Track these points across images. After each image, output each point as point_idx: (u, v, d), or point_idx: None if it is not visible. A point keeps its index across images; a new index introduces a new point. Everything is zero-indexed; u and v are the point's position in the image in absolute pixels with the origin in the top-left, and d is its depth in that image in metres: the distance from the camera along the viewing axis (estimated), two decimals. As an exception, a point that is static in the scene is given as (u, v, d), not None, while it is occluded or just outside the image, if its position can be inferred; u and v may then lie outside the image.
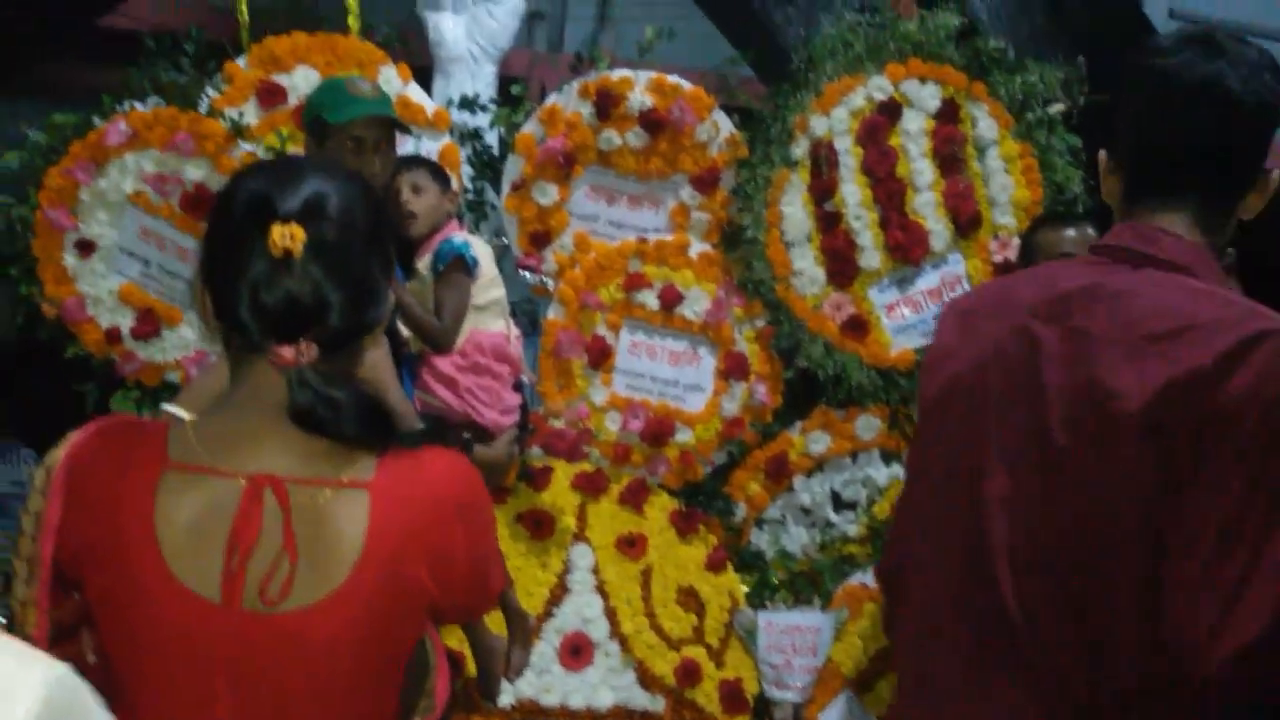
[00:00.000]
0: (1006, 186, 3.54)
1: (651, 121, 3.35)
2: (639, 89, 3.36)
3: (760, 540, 3.54)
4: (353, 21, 3.34)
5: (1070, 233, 2.96)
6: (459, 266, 2.65)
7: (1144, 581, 1.29)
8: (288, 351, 1.19)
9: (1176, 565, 1.27)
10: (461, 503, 1.27)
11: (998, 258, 3.54)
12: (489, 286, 2.76)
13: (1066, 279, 1.50)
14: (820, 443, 3.52)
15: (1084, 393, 1.37)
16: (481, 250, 2.76)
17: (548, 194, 3.37)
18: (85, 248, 3.21)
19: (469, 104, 3.43)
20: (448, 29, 3.36)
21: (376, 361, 1.41)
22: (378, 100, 2.43)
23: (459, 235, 2.74)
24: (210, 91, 3.22)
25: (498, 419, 2.75)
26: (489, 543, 1.35)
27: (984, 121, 3.53)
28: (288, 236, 1.17)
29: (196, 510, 1.19)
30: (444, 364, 2.69)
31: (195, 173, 3.14)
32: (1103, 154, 1.61)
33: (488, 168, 3.42)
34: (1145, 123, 1.51)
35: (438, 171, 2.84)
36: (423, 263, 2.73)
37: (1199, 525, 1.27)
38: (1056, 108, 3.57)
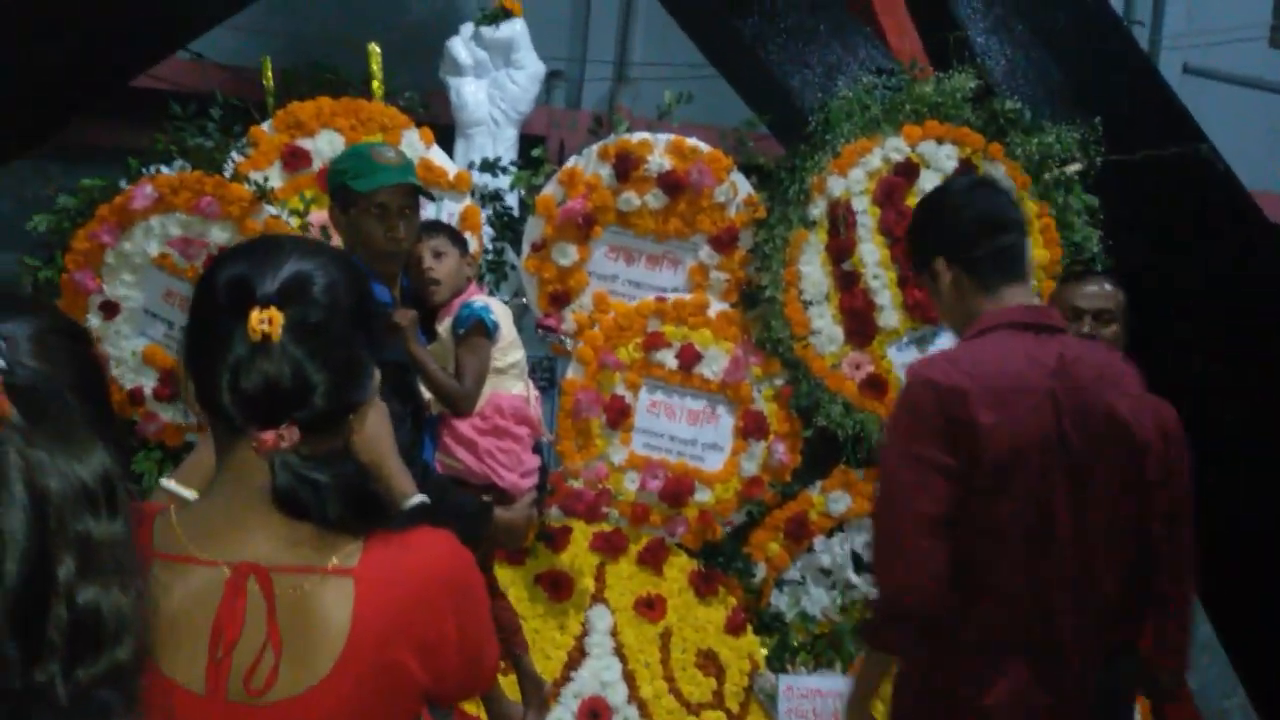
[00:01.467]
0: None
1: (670, 183, 3.38)
2: (658, 151, 3.39)
3: (780, 602, 3.51)
4: (376, 86, 3.39)
5: (1091, 288, 2.97)
6: (479, 330, 2.66)
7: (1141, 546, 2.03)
8: (269, 436, 1.17)
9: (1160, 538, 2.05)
10: (451, 586, 1.24)
11: (1017, 317, 3.54)
12: (509, 349, 2.77)
13: (1040, 351, 1.99)
14: (841, 502, 3.50)
15: (1107, 426, 1.97)
16: (501, 313, 2.77)
17: (567, 254, 3.39)
18: (110, 309, 3.25)
19: (490, 166, 3.47)
20: (469, 94, 3.41)
21: (373, 432, 1.39)
22: (402, 167, 2.46)
23: (479, 299, 2.75)
24: (235, 155, 3.27)
25: (517, 482, 2.75)
26: (481, 624, 1.31)
27: (1001, 182, 3.54)
28: (265, 321, 1.16)
29: (181, 601, 1.18)
30: (464, 426, 2.69)
31: (220, 236, 3.18)
32: (940, 261, 2.09)
33: (508, 229, 3.45)
34: (979, 237, 2.05)
35: (457, 236, 2.86)
36: (443, 326, 2.74)
37: (1170, 508, 2.05)
38: (1074, 168, 3.59)
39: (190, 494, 1.46)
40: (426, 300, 2.75)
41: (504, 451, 2.71)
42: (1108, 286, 2.98)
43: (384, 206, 2.38)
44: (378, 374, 1.29)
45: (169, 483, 1.48)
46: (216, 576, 1.18)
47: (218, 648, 1.16)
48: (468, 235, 3.12)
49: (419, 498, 1.50)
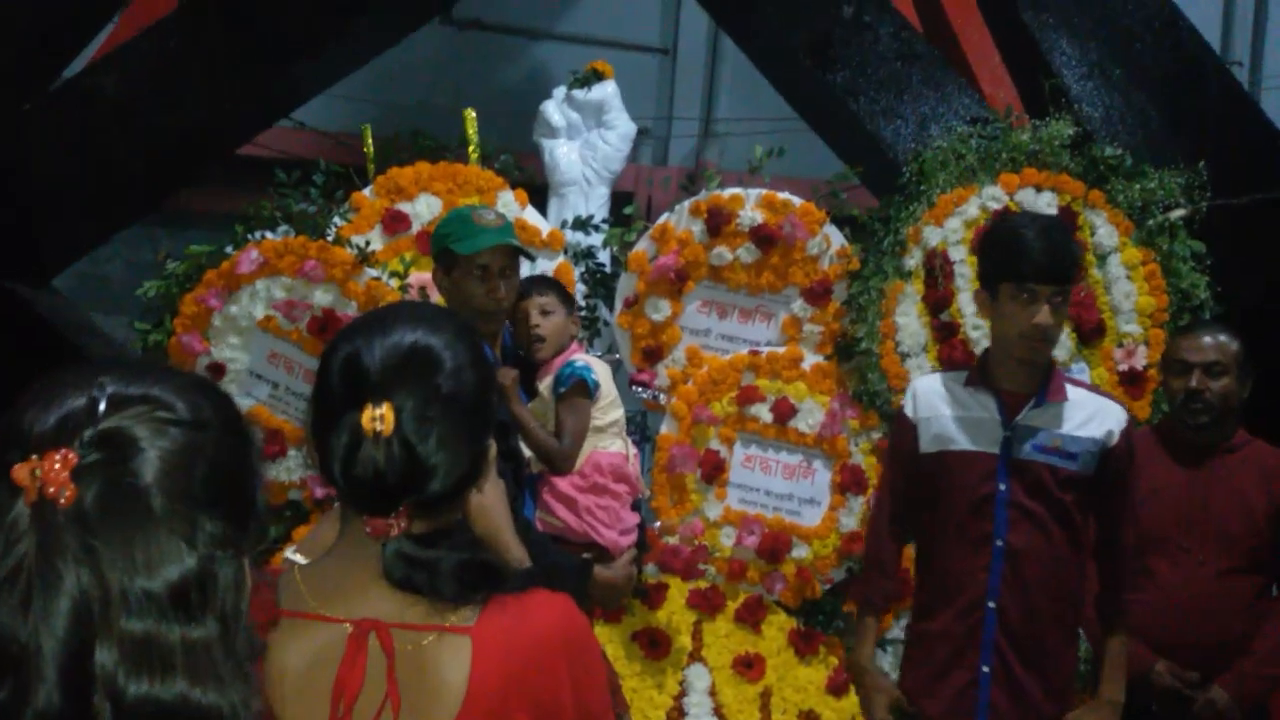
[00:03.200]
0: (1130, 294, 3.45)
1: (762, 236, 3.38)
2: (749, 205, 3.39)
3: (884, 661, 3.41)
4: (472, 151, 3.46)
5: (1201, 340, 2.88)
6: (580, 390, 2.67)
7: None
8: (379, 524, 1.18)
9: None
10: (567, 648, 1.23)
11: (1123, 366, 3.44)
12: (609, 408, 2.77)
13: None
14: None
15: None
16: (602, 372, 2.78)
17: (660, 310, 3.40)
18: (216, 371, 3.33)
19: (582, 224, 3.51)
20: (562, 155, 3.46)
21: (488, 503, 1.39)
22: (502, 229, 2.50)
23: (580, 358, 2.77)
24: (337, 220, 3.35)
25: (616, 539, 2.74)
26: (597, 688, 1.29)
27: (1103, 228, 3.46)
28: (378, 419, 1.16)
29: (303, 657, 1.19)
30: (564, 484, 2.70)
31: (323, 298, 3.26)
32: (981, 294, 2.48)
33: (601, 285, 3.48)
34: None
35: (566, 295, 2.89)
36: (544, 384, 2.76)
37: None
38: (1178, 213, 3.50)
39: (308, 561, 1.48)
40: (529, 356, 2.77)
41: (603, 509, 2.71)
42: (1221, 338, 2.88)
43: (485, 268, 2.42)
44: (494, 447, 1.29)
45: (294, 555, 1.50)
46: (338, 632, 1.20)
47: (339, 704, 1.17)
48: (562, 292, 3.15)
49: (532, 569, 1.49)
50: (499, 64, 6.52)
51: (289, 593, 1.23)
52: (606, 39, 6.65)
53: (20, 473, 0.84)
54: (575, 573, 2.49)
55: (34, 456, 0.84)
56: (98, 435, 0.87)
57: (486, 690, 1.17)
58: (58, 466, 0.84)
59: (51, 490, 0.83)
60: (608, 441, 2.76)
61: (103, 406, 0.89)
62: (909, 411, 2.55)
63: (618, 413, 2.82)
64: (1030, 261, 2.32)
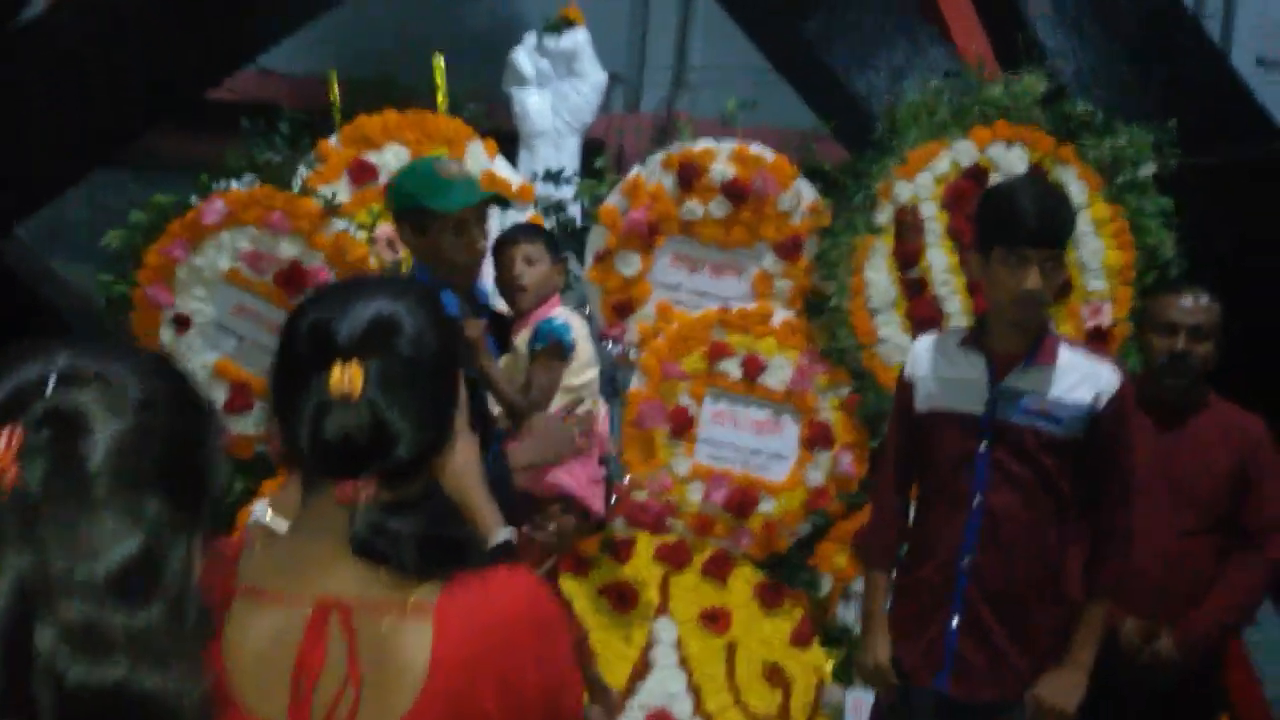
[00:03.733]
0: (1097, 251, 3.47)
1: (734, 191, 3.36)
2: (721, 160, 3.37)
3: (847, 615, 3.46)
4: (441, 99, 3.41)
5: (1187, 301, 2.90)
6: (556, 351, 2.64)
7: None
8: (347, 488, 1.17)
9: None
10: (530, 624, 1.22)
11: (1090, 323, 3.47)
12: (583, 368, 2.75)
13: None
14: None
15: None
16: (580, 331, 2.74)
17: (631, 264, 3.39)
18: (182, 323, 3.30)
19: (553, 177, 3.48)
20: (533, 104, 3.42)
21: (459, 464, 1.39)
22: (474, 182, 2.47)
23: (560, 315, 2.72)
24: (303, 170, 3.30)
25: (586, 490, 2.74)
26: (562, 661, 1.28)
27: (1073, 185, 3.46)
28: (346, 379, 1.15)
29: (264, 637, 1.19)
30: None
31: (290, 250, 3.22)
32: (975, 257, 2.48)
33: (571, 239, 3.45)
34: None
35: (553, 243, 2.82)
36: (521, 337, 2.72)
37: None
38: (1147, 170, 3.50)
39: (278, 521, 1.48)
40: (510, 305, 2.73)
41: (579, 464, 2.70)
42: (1204, 299, 2.89)
43: (463, 222, 2.37)
44: (462, 414, 1.28)
45: (265, 515, 1.50)
46: (299, 613, 1.19)
47: (300, 684, 1.17)
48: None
49: (506, 532, 1.49)
50: (468, 7, 6.41)
51: (249, 569, 1.22)
52: (578, -18, 6.55)
53: None
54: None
55: None
56: (45, 413, 0.85)
57: (449, 669, 1.17)
58: (1, 447, 0.82)
59: None
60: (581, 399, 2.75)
61: (52, 383, 0.86)
62: (907, 371, 2.59)
63: (592, 373, 2.81)
64: (1022, 226, 2.32)
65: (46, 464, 0.83)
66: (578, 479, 2.77)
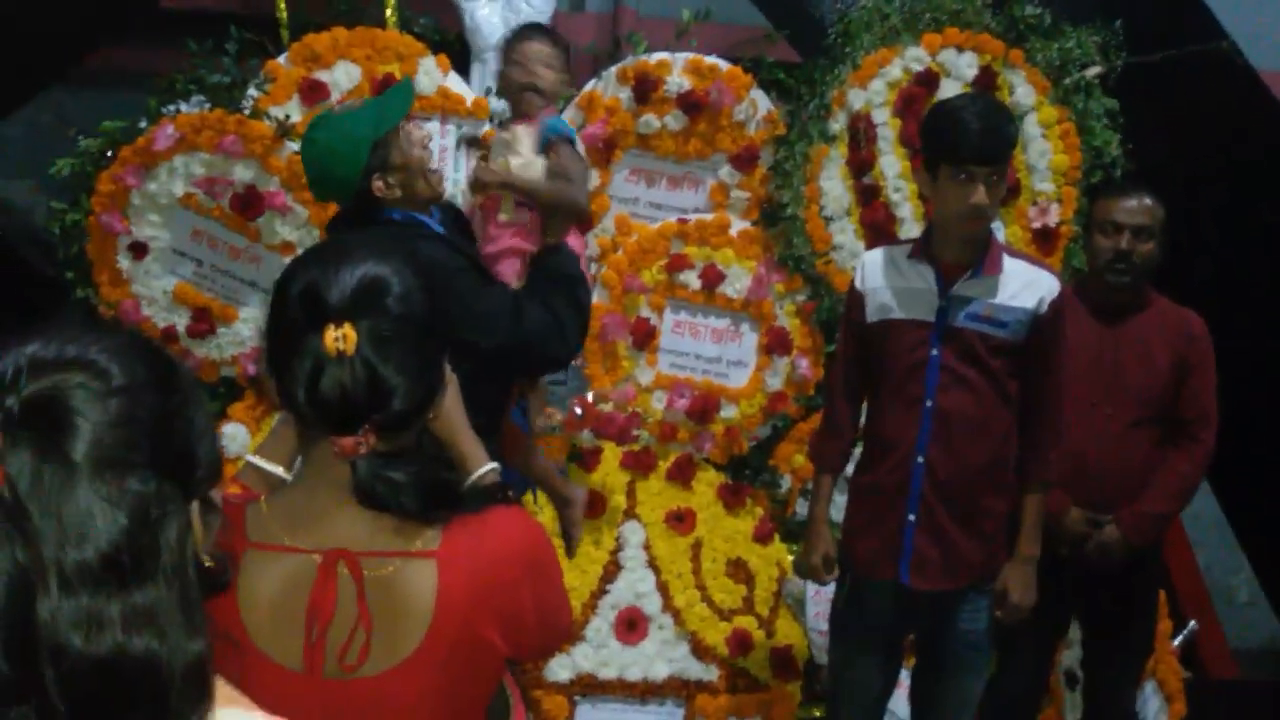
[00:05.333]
0: (1044, 152, 3.54)
1: (690, 103, 3.37)
2: (676, 71, 3.37)
3: (806, 510, 3.60)
4: (390, 15, 3.35)
5: (1131, 202, 2.99)
6: (570, 142, 2.59)
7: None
8: (348, 442, 1.24)
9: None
10: (526, 561, 1.32)
11: (1036, 224, 3.56)
12: None
13: None
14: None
15: None
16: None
17: (589, 179, 3.39)
18: (138, 250, 3.27)
19: (507, 91, 3.43)
20: (483, 18, 3.36)
21: (446, 408, 1.45)
22: (375, 99, 2.44)
23: (560, 118, 2.64)
24: (253, 91, 3.25)
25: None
26: (555, 592, 1.40)
27: (1021, 88, 3.52)
28: (340, 338, 1.21)
29: (276, 587, 1.26)
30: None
31: (244, 174, 3.19)
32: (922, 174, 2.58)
33: (528, 154, 3.44)
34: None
35: (565, 48, 2.70)
36: (521, 132, 2.58)
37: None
38: (1094, 71, 3.56)
39: (275, 468, 1.53)
40: (515, 107, 2.61)
41: None
42: (1147, 201, 2.99)
43: (408, 131, 2.25)
44: (448, 371, 1.34)
45: (255, 459, 1.55)
46: (308, 563, 1.26)
47: (313, 629, 1.24)
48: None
49: (490, 466, 1.56)
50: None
51: (257, 524, 1.28)
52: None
53: None
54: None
55: None
56: (23, 407, 0.86)
57: (453, 609, 1.26)
58: None
59: None
60: None
61: (25, 374, 0.87)
62: (858, 283, 2.68)
63: None
64: (967, 144, 2.41)
65: (30, 459, 0.85)
66: None
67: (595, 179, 3.40)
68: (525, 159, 2.54)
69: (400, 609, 1.25)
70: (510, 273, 2.52)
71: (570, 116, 3.38)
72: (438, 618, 1.25)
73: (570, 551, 2.93)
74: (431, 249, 2.17)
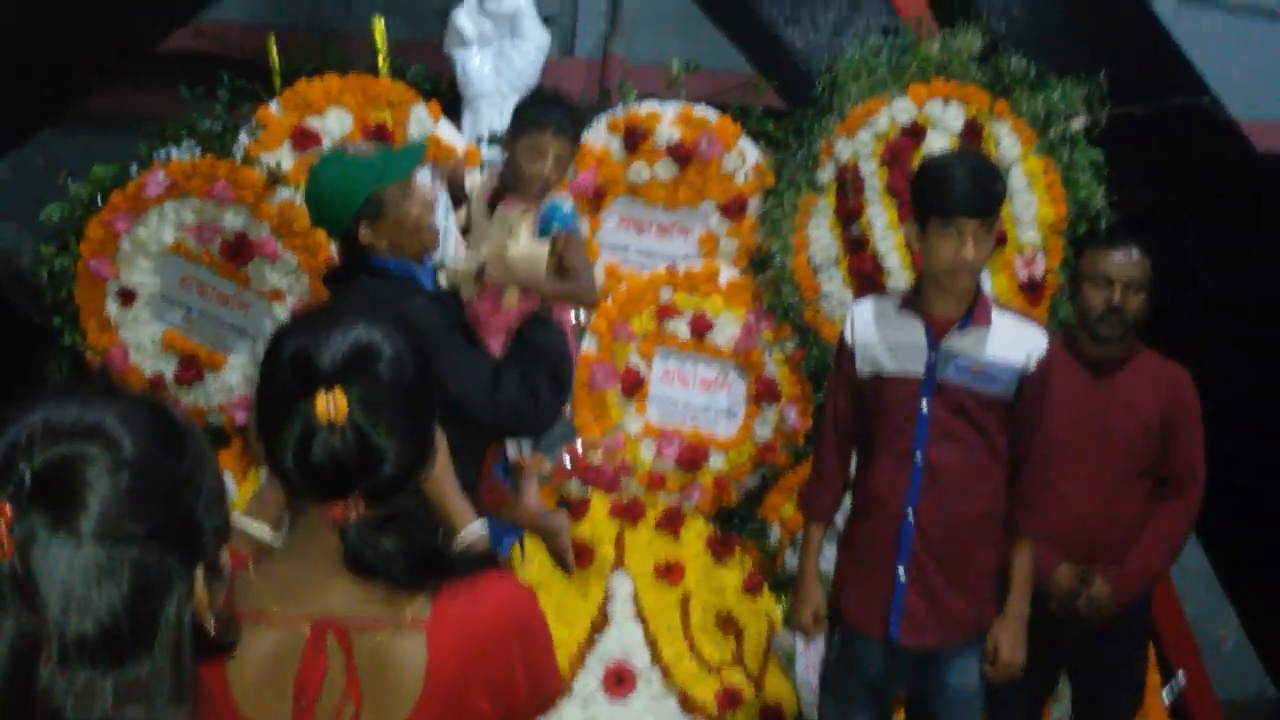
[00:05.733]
0: (1030, 203, 3.57)
1: (680, 153, 3.39)
2: (667, 122, 3.39)
3: (796, 562, 3.58)
4: (382, 63, 3.37)
5: (1119, 256, 3.00)
6: (576, 233, 2.57)
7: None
8: (337, 510, 1.23)
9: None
10: (517, 629, 1.30)
11: (1023, 274, 3.58)
12: None
13: None
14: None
15: None
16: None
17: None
18: (127, 296, 3.27)
19: (498, 139, 3.45)
20: (474, 67, 3.39)
21: (438, 470, 1.44)
22: (391, 150, 2.45)
23: (565, 203, 2.60)
24: (244, 137, 3.26)
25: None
26: (546, 658, 1.37)
27: (1007, 139, 3.55)
28: (331, 405, 1.19)
29: (264, 657, 1.23)
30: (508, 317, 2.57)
31: (235, 220, 3.20)
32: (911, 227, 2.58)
33: (518, 203, 3.45)
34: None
35: (577, 134, 2.62)
36: (519, 213, 2.54)
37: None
38: (1078, 123, 3.60)
39: (259, 527, 1.52)
40: (523, 190, 2.54)
41: None
42: (1135, 254, 3.00)
43: (409, 185, 2.25)
44: (440, 433, 1.33)
45: (242, 520, 1.53)
46: (297, 633, 1.24)
47: (301, 700, 1.22)
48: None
49: (478, 526, 1.55)
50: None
51: (245, 593, 1.26)
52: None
53: None
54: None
55: None
56: (36, 475, 0.86)
57: (444, 679, 1.24)
58: None
59: None
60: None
61: (38, 441, 0.88)
62: (847, 335, 2.69)
63: None
64: (955, 198, 2.43)
65: (40, 527, 0.85)
66: None
67: (585, 227, 3.42)
68: (524, 247, 2.50)
69: (390, 679, 1.24)
70: (498, 344, 2.52)
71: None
72: (428, 688, 1.24)
73: (569, 569, 2.97)
74: (417, 306, 2.18)
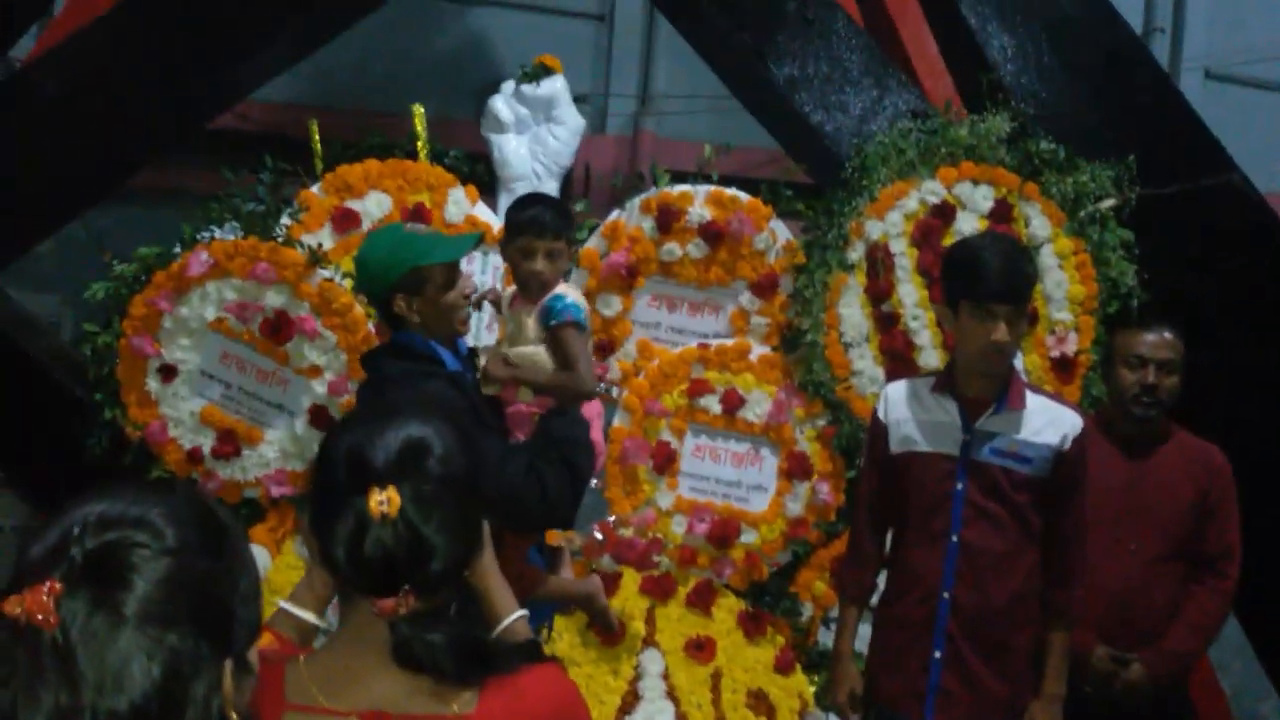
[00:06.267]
0: (1061, 283, 3.59)
1: (711, 233, 3.44)
2: (698, 203, 3.45)
3: (828, 639, 3.55)
4: (422, 147, 3.46)
5: (1153, 337, 3.02)
6: (576, 326, 2.60)
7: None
8: (388, 604, 1.25)
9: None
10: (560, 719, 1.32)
11: (1054, 352, 3.59)
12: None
13: None
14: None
15: None
16: (584, 307, 2.70)
17: (611, 305, 3.46)
18: (168, 372, 3.33)
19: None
20: (511, 150, 3.47)
21: (483, 560, 1.47)
22: (445, 235, 2.51)
23: (569, 294, 2.63)
24: (285, 219, 3.34)
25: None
26: None
27: (1036, 220, 3.58)
28: (384, 503, 1.23)
29: None
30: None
31: (276, 300, 3.26)
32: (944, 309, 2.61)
33: (552, 281, 3.51)
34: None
35: (571, 229, 2.72)
36: (526, 314, 2.62)
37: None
38: (1108, 203, 3.63)
39: (307, 614, 1.54)
40: (523, 293, 2.63)
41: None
42: (1168, 335, 3.02)
43: (454, 270, 2.34)
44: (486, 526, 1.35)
45: (288, 605, 1.56)
46: None
47: None
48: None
49: (520, 614, 1.57)
50: (436, 28, 6.44)
51: (296, 685, 1.28)
52: (543, 4, 6.59)
53: (10, 605, 0.90)
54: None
55: (27, 587, 0.91)
56: (83, 562, 0.93)
57: None
58: (43, 598, 0.90)
59: (38, 619, 0.90)
60: None
61: (89, 530, 0.94)
62: (880, 414, 2.70)
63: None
64: (988, 283, 2.45)
65: (82, 611, 0.91)
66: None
67: (617, 305, 3.46)
68: (528, 348, 2.57)
69: None
70: (524, 437, 2.55)
71: (594, 245, 3.45)
72: None
73: (611, 627, 3.10)
74: (437, 387, 2.23)
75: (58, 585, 0.90)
